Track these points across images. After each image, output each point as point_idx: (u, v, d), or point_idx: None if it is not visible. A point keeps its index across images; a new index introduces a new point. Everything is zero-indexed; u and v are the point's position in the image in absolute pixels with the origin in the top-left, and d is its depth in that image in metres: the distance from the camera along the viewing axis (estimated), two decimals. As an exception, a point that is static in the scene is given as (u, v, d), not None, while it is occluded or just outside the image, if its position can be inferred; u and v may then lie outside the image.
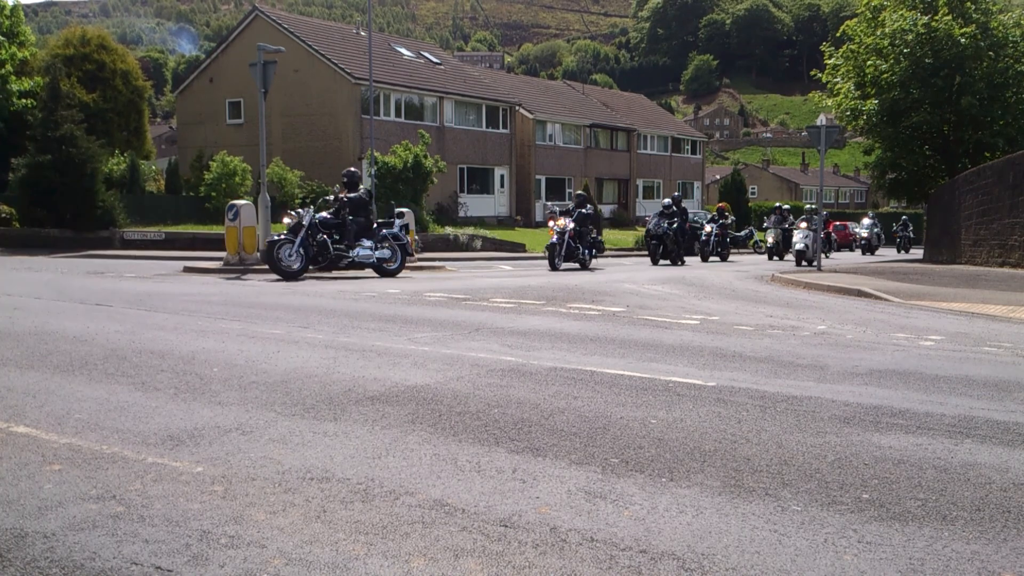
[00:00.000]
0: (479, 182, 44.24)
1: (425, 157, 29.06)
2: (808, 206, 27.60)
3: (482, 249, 27.73)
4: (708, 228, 28.31)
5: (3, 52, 26.04)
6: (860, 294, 13.22)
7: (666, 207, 24.16)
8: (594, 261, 21.60)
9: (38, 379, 5.21)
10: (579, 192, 23.83)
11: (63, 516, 2.93)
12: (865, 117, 28.20)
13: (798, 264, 23.66)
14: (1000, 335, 8.55)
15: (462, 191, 42.38)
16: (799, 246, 24.44)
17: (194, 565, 2.56)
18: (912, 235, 42.39)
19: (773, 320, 9.52)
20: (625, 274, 18.45)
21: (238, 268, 16.35)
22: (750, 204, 54.76)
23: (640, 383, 5.47)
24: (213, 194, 28.95)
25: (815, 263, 23.48)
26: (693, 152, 64.42)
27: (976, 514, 3.17)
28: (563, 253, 19.76)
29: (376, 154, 27.80)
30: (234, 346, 6.58)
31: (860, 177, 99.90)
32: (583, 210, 20.80)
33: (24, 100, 26.15)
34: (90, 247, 22.59)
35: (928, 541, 2.89)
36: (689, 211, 31.74)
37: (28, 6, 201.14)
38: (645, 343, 7.35)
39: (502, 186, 45.32)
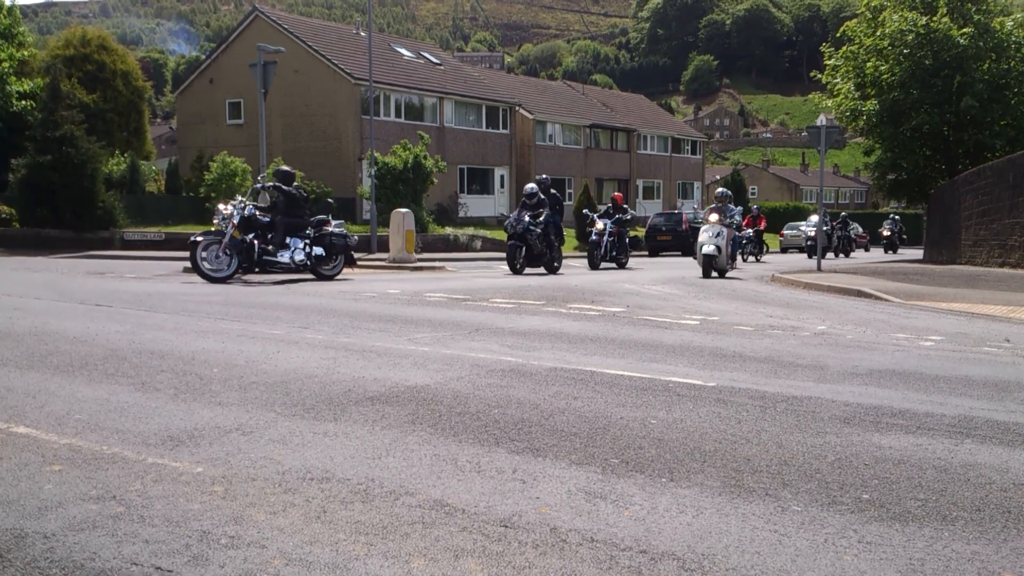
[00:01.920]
0: (479, 182, 44.26)
1: (425, 157, 29.08)
2: (720, 190, 19.14)
3: (482, 249, 27.74)
4: (600, 225, 21.35)
5: (2, 53, 26.04)
6: (860, 294, 13.22)
7: (528, 196, 18.14)
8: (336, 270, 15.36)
9: (38, 379, 5.21)
10: (275, 173, 15.51)
11: (63, 516, 2.93)
12: (865, 118, 28.22)
13: (706, 275, 16.90)
14: (1000, 335, 8.55)
15: (462, 191, 42.39)
16: (708, 248, 16.83)
17: (194, 565, 2.56)
18: (852, 235, 38.17)
19: (773, 320, 9.52)
20: (625, 274, 18.45)
21: (238, 268, 16.31)
22: (750, 204, 54.76)
23: (640, 383, 5.46)
24: (213, 194, 28.94)
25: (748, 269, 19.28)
26: (693, 152, 64.46)
27: (976, 514, 3.17)
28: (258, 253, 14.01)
29: (376, 154, 27.82)
30: (234, 346, 6.58)
31: (860, 177, 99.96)
32: (284, 185, 14.67)
33: (24, 102, 26.15)
34: (90, 247, 22.61)
35: (928, 541, 2.89)
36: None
37: (28, 6, 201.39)
38: (645, 343, 7.34)
39: (502, 186, 45.35)
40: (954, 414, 4.80)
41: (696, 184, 63.69)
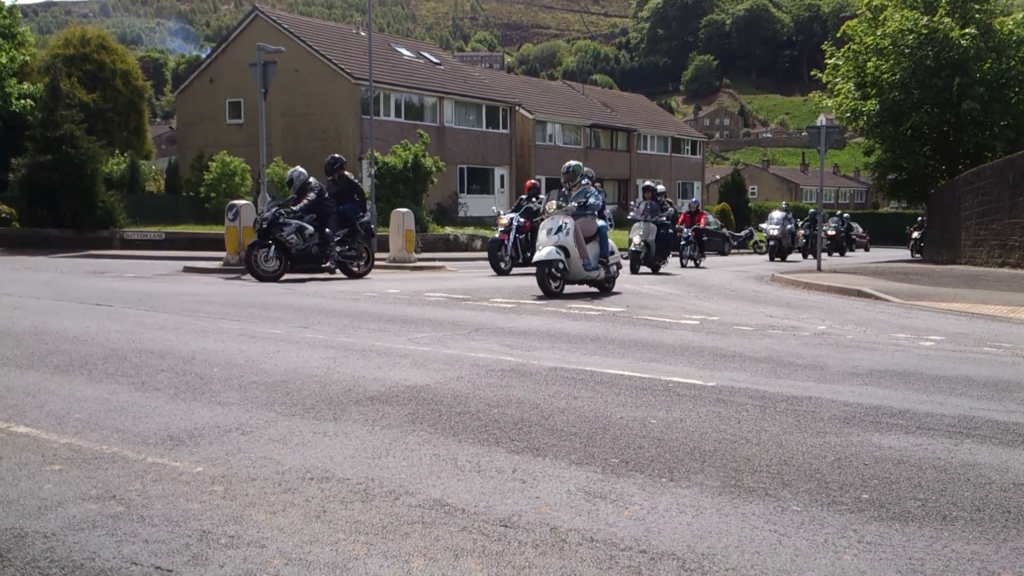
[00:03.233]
0: (479, 182, 44.26)
1: (424, 157, 29.08)
2: (568, 163, 12.56)
3: (482, 249, 27.72)
4: (504, 220, 17.40)
5: (2, 55, 26.05)
6: (860, 294, 13.22)
7: (288, 183, 14.85)
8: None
9: (38, 379, 5.21)
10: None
11: (63, 516, 2.93)
12: (865, 118, 28.24)
13: (547, 293, 11.36)
14: (1000, 335, 8.55)
15: (462, 191, 42.39)
16: (543, 253, 11.36)
17: (194, 565, 2.56)
18: (829, 233, 33.96)
19: (773, 320, 9.52)
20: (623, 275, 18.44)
21: (238, 268, 16.35)
22: (750, 204, 54.82)
23: (640, 383, 5.46)
24: (213, 194, 28.96)
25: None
26: (693, 152, 64.48)
27: (976, 514, 3.17)
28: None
29: (376, 154, 27.82)
30: (234, 346, 6.58)
31: (860, 177, 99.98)
32: None
33: (24, 101, 26.17)
34: (90, 247, 22.60)
35: (928, 541, 2.89)
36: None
37: (28, 6, 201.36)
38: (645, 343, 7.34)
39: (502, 186, 45.34)
40: (954, 414, 4.80)
41: (696, 184, 63.70)
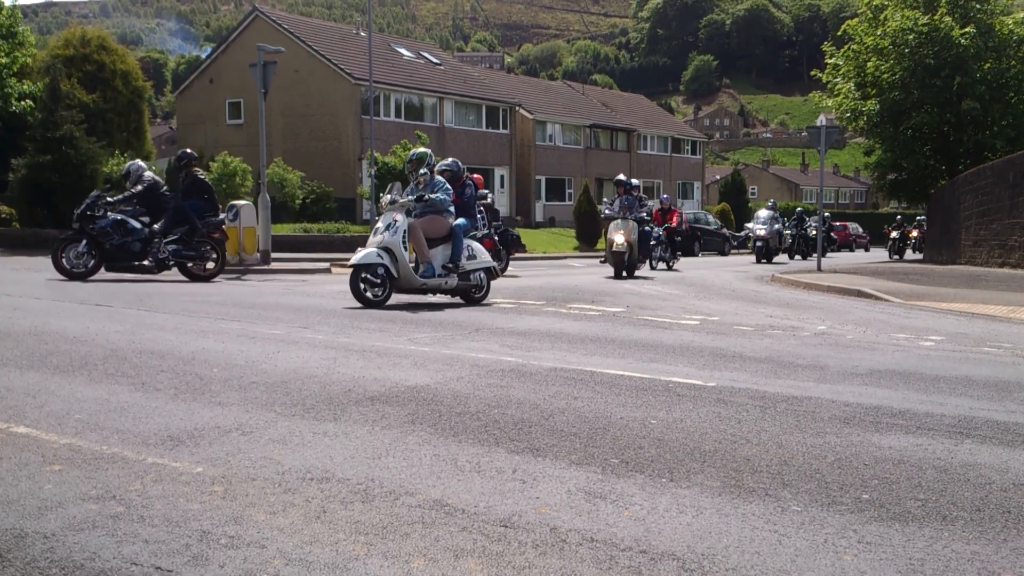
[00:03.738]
0: (479, 182, 44.25)
1: (425, 157, 29.07)
2: (415, 151, 10.82)
3: (482, 249, 27.67)
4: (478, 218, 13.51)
5: (2, 55, 26.04)
6: (860, 294, 13.23)
7: (124, 176, 13.89)
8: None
9: (38, 379, 5.21)
10: None
11: (63, 516, 2.93)
12: (865, 118, 28.23)
13: (362, 302, 9.58)
14: (1000, 335, 8.55)
15: (462, 191, 42.36)
16: (362, 254, 9.77)
17: (194, 565, 2.56)
18: (811, 233, 31.08)
19: (773, 320, 9.52)
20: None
21: (238, 268, 16.35)
22: (750, 205, 54.82)
23: (640, 383, 5.46)
24: (213, 194, 28.90)
25: None
26: (693, 152, 64.48)
27: (976, 514, 3.17)
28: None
29: (376, 154, 27.84)
30: (234, 346, 6.57)
31: (860, 177, 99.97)
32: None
33: (24, 101, 26.16)
34: (90, 247, 22.57)
35: (928, 541, 2.89)
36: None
37: (28, 6, 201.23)
38: (645, 343, 7.34)
39: (502, 186, 45.33)
40: (954, 414, 4.80)
41: (696, 184, 63.71)
